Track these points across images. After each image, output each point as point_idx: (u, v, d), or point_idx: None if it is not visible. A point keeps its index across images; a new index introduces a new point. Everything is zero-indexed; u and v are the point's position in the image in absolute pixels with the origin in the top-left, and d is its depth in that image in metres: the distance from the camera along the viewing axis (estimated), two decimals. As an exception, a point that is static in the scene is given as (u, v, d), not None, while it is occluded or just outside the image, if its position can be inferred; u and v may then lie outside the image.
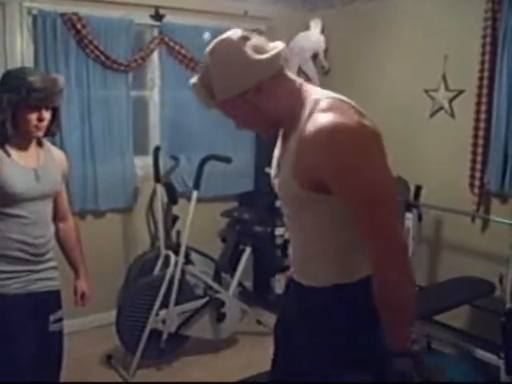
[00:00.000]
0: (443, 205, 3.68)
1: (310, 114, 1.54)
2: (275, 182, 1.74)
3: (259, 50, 1.55)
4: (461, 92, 3.70)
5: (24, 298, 2.27)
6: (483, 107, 3.47)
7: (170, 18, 4.15)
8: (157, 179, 3.95)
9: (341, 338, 1.63)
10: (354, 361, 1.60)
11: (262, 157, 4.45)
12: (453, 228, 3.83)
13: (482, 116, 3.49)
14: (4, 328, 2.23)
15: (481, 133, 3.50)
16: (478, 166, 3.54)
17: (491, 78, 3.42)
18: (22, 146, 2.28)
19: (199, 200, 3.69)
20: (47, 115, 2.25)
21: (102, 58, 3.87)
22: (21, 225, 2.24)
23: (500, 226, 3.34)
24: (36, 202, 2.28)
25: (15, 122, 2.20)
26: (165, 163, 4.22)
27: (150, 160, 4.08)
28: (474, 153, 3.56)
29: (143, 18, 4.08)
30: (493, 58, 3.40)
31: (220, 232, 4.19)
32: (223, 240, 4.10)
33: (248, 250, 3.88)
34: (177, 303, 3.60)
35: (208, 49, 1.59)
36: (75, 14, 3.71)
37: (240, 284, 4.03)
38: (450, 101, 3.76)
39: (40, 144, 2.38)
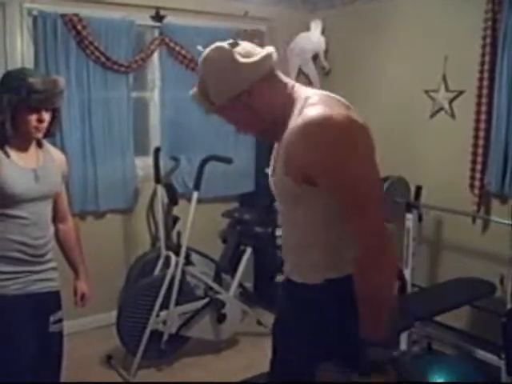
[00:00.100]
0: (443, 205, 3.68)
1: (301, 109, 1.59)
2: (271, 181, 1.78)
3: (247, 54, 1.61)
4: (461, 92, 3.70)
5: (24, 299, 2.27)
6: (483, 108, 3.47)
7: (170, 19, 4.15)
8: (157, 180, 3.95)
9: (333, 335, 1.65)
10: (345, 356, 1.60)
11: (263, 157, 4.44)
12: (453, 228, 3.83)
13: (483, 117, 3.49)
14: (4, 329, 2.23)
15: (481, 133, 3.51)
16: (479, 167, 3.54)
17: (491, 79, 3.42)
18: (22, 147, 2.28)
19: (200, 201, 3.69)
20: (47, 116, 2.26)
21: (103, 59, 3.87)
22: (20, 226, 2.24)
23: (500, 226, 3.33)
24: (35, 202, 2.28)
25: (15, 123, 2.20)
26: (165, 164, 4.23)
27: (150, 161, 4.08)
28: (475, 153, 3.56)
29: (144, 19, 4.08)
30: (493, 59, 3.40)
31: (220, 233, 4.19)
32: (224, 241, 4.10)
33: (249, 250, 3.88)
34: (177, 304, 3.60)
35: (201, 58, 1.69)
36: (76, 15, 3.71)
37: (240, 285, 4.03)
38: (450, 101, 3.77)
39: (40, 145, 2.38)
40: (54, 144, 3.73)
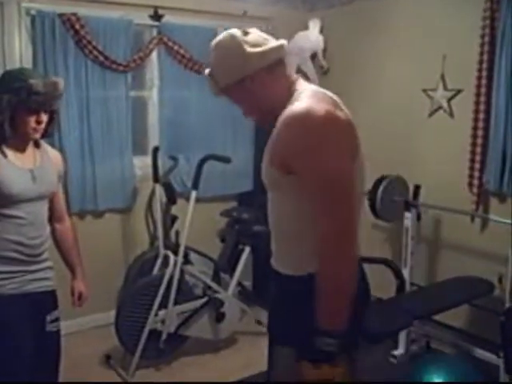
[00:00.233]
0: (442, 204, 3.69)
1: (293, 102, 1.70)
2: (262, 171, 1.83)
3: (256, 44, 1.74)
4: (459, 91, 3.70)
5: (20, 299, 2.27)
6: (482, 107, 3.48)
7: (168, 18, 4.15)
8: (156, 179, 3.95)
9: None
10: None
11: (261, 156, 4.43)
12: (452, 227, 3.83)
13: (481, 115, 3.49)
14: (0, 329, 2.23)
15: (479, 132, 3.51)
16: (477, 166, 3.54)
17: (490, 78, 3.42)
18: (20, 148, 2.28)
19: (198, 200, 3.69)
20: (45, 118, 2.26)
21: (101, 58, 3.87)
22: (17, 225, 2.24)
23: (499, 225, 3.34)
24: (32, 202, 2.28)
25: (13, 124, 2.20)
26: (164, 163, 4.22)
27: (148, 160, 4.08)
28: (473, 152, 3.56)
29: (142, 18, 4.07)
30: (491, 58, 3.40)
31: (219, 232, 4.19)
32: (222, 240, 4.10)
33: (247, 249, 3.88)
34: (176, 303, 3.60)
35: (213, 42, 1.80)
36: (74, 14, 3.71)
37: (239, 284, 4.02)
38: (449, 100, 3.77)
39: (37, 145, 2.38)
40: (52, 143, 3.74)
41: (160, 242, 3.84)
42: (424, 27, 3.90)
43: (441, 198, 3.71)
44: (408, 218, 3.68)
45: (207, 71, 1.85)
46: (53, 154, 2.49)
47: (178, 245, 3.70)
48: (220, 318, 3.74)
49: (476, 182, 3.55)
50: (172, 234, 3.92)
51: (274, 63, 1.77)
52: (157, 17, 4.11)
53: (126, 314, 3.50)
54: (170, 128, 4.33)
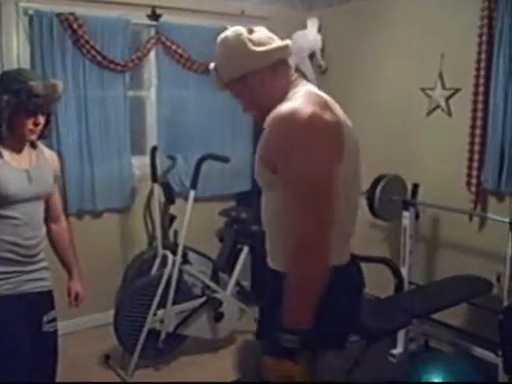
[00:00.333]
0: (440, 203, 3.69)
1: (283, 104, 1.73)
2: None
3: (260, 42, 1.79)
4: (457, 90, 3.70)
5: (15, 299, 2.27)
6: (480, 106, 3.48)
7: (166, 18, 4.15)
8: (154, 179, 3.95)
9: None
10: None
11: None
12: (450, 226, 3.84)
13: (479, 114, 3.49)
14: None
15: (477, 131, 3.51)
16: (475, 165, 3.54)
17: (488, 77, 3.42)
18: (16, 148, 2.28)
19: (196, 199, 3.69)
20: (42, 120, 2.27)
21: (99, 57, 3.87)
22: (13, 226, 2.24)
23: (497, 224, 3.34)
24: (28, 203, 2.28)
25: (11, 125, 2.20)
26: (162, 163, 4.22)
27: (147, 160, 4.07)
28: (471, 151, 3.57)
29: (140, 17, 4.07)
30: (489, 57, 3.40)
31: (217, 231, 4.19)
32: (221, 239, 4.10)
33: (246, 249, 3.88)
34: (175, 303, 3.60)
35: (218, 38, 1.86)
36: (72, 13, 3.71)
37: (238, 283, 4.02)
38: (447, 99, 3.77)
39: (33, 145, 2.38)
40: (50, 143, 3.75)
41: (158, 242, 3.84)
42: (422, 26, 3.90)
43: (439, 196, 3.71)
44: (406, 216, 3.68)
45: (212, 65, 1.90)
46: (49, 154, 2.48)
47: (176, 244, 3.70)
48: (219, 317, 3.74)
49: (474, 180, 3.55)
50: (170, 233, 3.92)
51: (277, 62, 1.82)
52: (155, 16, 4.11)
53: (124, 314, 3.50)
54: (168, 128, 4.33)
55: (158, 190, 3.95)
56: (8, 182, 2.20)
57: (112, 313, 3.56)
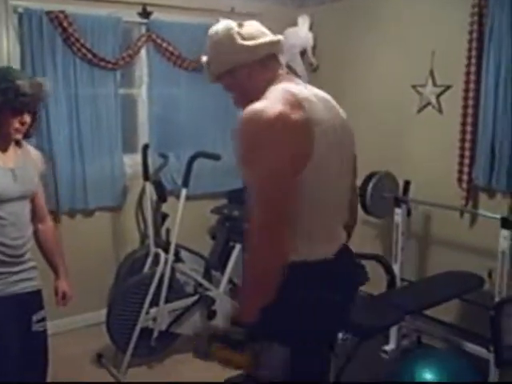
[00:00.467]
0: (432, 200, 3.70)
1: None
2: None
3: (249, 37, 1.81)
4: (448, 87, 3.71)
5: (4, 300, 2.26)
6: (470, 102, 3.49)
7: (157, 16, 4.14)
8: (146, 177, 3.94)
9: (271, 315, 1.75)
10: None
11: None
12: (441, 223, 3.85)
13: (470, 111, 3.50)
14: None
15: (468, 128, 3.52)
16: (466, 161, 3.56)
17: (478, 74, 3.44)
18: (1, 147, 2.27)
19: (188, 198, 3.68)
20: (28, 119, 2.25)
21: (90, 55, 3.85)
22: None
23: (488, 220, 3.35)
24: (14, 202, 2.26)
25: None
26: (154, 161, 4.21)
27: (138, 158, 4.06)
28: (462, 148, 3.58)
29: (130, 15, 4.06)
30: (480, 54, 3.42)
31: (210, 229, 4.19)
32: (213, 237, 4.10)
33: (238, 246, 3.87)
34: (167, 301, 3.60)
35: (209, 31, 1.88)
36: (62, 11, 3.69)
37: (230, 281, 4.02)
38: (438, 96, 3.78)
39: (18, 144, 2.36)
40: (41, 142, 3.74)
41: (150, 240, 3.83)
42: (413, 23, 3.91)
43: (430, 193, 3.73)
44: (398, 213, 3.69)
45: (203, 58, 1.92)
46: (34, 153, 2.47)
47: (168, 243, 3.70)
48: (211, 315, 3.73)
49: (465, 177, 3.57)
50: (163, 231, 3.92)
51: (267, 57, 1.84)
52: (145, 14, 4.10)
53: (117, 313, 3.50)
54: (160, 125, 4.32)
55: (149, 189, 3.94)
56: None
57: (104, 311, 3.55)
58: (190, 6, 4.26)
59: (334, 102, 1.92)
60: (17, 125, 2.21)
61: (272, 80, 1.84)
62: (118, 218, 4.29)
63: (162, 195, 3.84)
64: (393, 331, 3.62)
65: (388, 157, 4.01)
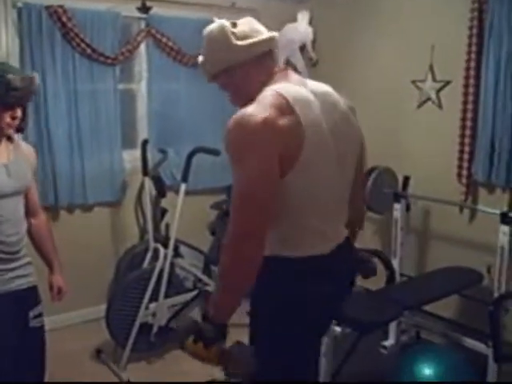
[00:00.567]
0: (431, 195, 3.70)
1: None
2: None
3: (243, 36, 1.82)
4: (448, 83, 3.71)
5: (1, 298, 2.24)
6: (470, 98, 3.49)
7: (156, 10, 4.13)
8: (145, 172, 3.93)
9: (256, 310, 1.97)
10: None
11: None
12: (441, 218, 3.85)
13: (469, 106, 3.50)
14: None
15: (468, 123, 3.52)
16: (466, 156, 3.56)
17: (478, 69, 3.43)
18: None
19: (188, 193, 3.68)
20: (20, 113, 2.23)
21: (89, 50, 3.84)
22: None
23: (488, 215, 3.35)
24: (8, 198, 2.24)
25: None
26: (153, 156, 4.21)
27: (138, 153, 4.06)
28: (462, 143, 3.58)
29: (130, 10, 4.05)
30: (479, 49, 3.41)
31: (209, 224, 4.19)
32: (212, 233, 4.10)
33: (237, 242, 3.87)
34: (166, 296, 3.60)
35: (204, 31, 1.88)
36: (61, 6, 3.68)
37: (230, 276, 4.02)
38: (438, 91, 3.78)
39: (10, 139, 2.34)
40: (41, 137, 3.74)
41: (150, 236, 3.83)
42: (413, 18, 3.90)
43: (430, 188, 3.72)
44: (397, 209, 3.69)
45: (200, 58, 1.93)
46: (26, 148, 2.45)
47: (167, 238, 3.70)
48: (211, 310, 3.74)
49: (465, 172, 3.57)
50: (162, 227, 3.92)
51: (261, 55, 1.85)
52: (144, 9, 4.08)
53: (116, 308, 3.50)
54: (159, 121, 4.32)
55: (149, 184, 3.94)
56: None
57: (103, 307, 3.56)
58: (189, 1, 4.24)
59: (335, 96, 1.93)
60: (8, 119, 2.19)
61: (268, 79, 1.85)
62: (117, 213, 4.29)
63: (161, 190, 3.84)
64: (392, 326, 3.62)
65: (387, 152, 4.00)
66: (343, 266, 1.97)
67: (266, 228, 1.67)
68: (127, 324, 3.50)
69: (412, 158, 3.94)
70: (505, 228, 3.14)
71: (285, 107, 1.71)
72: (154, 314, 3.57)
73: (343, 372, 2.88)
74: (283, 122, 1.68)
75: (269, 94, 1.76)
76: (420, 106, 3.90)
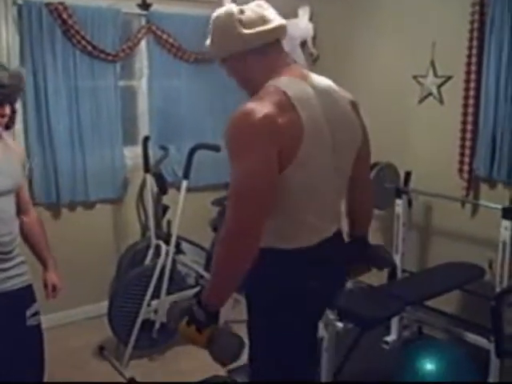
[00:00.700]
0: (433, 190, 3.69)
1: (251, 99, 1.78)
2: None
3: (250, 24, 1.79)
4: (449, 78, 3.70)
5: None
6: (471, 93, 3.48)
7: (157, 7, 4.12)
8: (146, 169, 3.93)
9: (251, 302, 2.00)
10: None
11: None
12: (443, 213, 3.85)
13: (471, 102, 3.49)
14: None
15: (469, 118, 3.51)
16: (467, 152, 3.55)
17: (479, 64, 3.42)
18: None
19: (189, 189, 3.69)
20: (8, 111, 2.20)
21: (89, 47, 3.84)
22: None
23: (489, 210, 3.35)
24: (1, 198, 2.21)
25: None
26: (154, 153, 4.21)
27: (139, 150, 4.06)
28: (463, 138, 3.57)
29: (130, 7, 4.05)
30: (480, 44, 3.40)
31: (211, 221, 4.19)
32: (214, 229, 4.10)
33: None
34: (169, 293, 3.61)
35: (213, 15, 1.86)
36: (61, 3, 3.68)
37: (231, 273, 4.02)
38: (439, 87, 3.77)
39: None
40: (41, 134, 3.74)
41: (152, 232, 3.83)
42: (414, 13, 3.88)
43: (431, 184, 3.72)
44: (399, 204, 3.69)
45: (208, 41, 1.91)
46: (15, 145, 2.43)
47: (169, 234, 3.70)
48: (213, 306, 3.74)
49: (466, 168, 3.56)
50: (163, 223, 3.92)
51: (266, 45, 1.83)
52: (145, 6, 4.08)
53: (118, 305, 3.50)
54: (160, 117, 4.32)
55: (150, 181, 3.94)
56: None
57: (105, 304, 3.56)
58: (189, -2, 4.25)
59: (337, 91, 1.94)
60: None
61: (271, 70, 1.83)
62: (118, 210, 4.29)
63: (162, 187, 3.84)
64: (394, 322, 3.62)
65: (389, 147, 3.99)
66: (337, 256, 2.00)
67: (263, 224, 1.67)
68: (129, 321, 3.51)
69: (413, 153, 3.93)
70: (506, 223, 3.14)
71: (285, 104, 1.71)
72: (155, 311, 3.57)
73: (345, 367, 2.88)
74: (283, 119, 1.68)
75: (271, 90, 1.75)
76: (421, 101, 3.89)
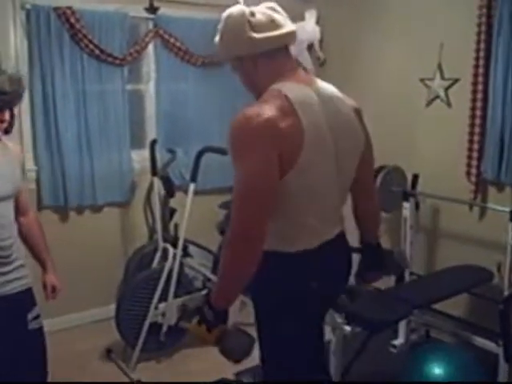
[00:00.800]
0: (440, 193, 3.69)
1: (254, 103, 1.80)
2: None
3: (259, 28, 1.79)
4: (456, 80, 3.70)
5: None
6: (479, 95, 3.47)
7: (164, 11, 4.13)
8: (154, 172, 3.94)
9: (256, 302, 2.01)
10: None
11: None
12: (450, 216, 3.84)
13: (478, 104, 3.49)
14: None
15: (477, 121, 3.51)
16: (475, 155, 3.54)
17: (486, 66, 3.42)
18: None
19: (197, 192, 3.69)
20: (8, 116, 2.20)
21: (97, 51, 3.86)
22: None
23: (497, 213, 3.34)
24: (1, 203, 2.20)
25: None
26: (162, 156, 4.22)
27: (146, 153, 4.06)
28: (471, 141, 3.56)
29: (137, 11, 4.05)
30: (488, 46, 3.40)
31: (218, 224, 4.18)
32: (221, 232, 4.09)
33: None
34: (176, 296, 3.61)
35: (224, 13, 1.86)
36: (69, 7, 3.69)
37: (239, 276, 4.02)
38: (446, 89, 3.76)
39: None
40: (49, 138, 3.76)
41: (159, 236, 3.84)
42: (421, 16, 3.88)
43: (439, 187, 3.71)
44: (406, 207, 3.68)
45: (217, 38, 1.91)
46: (13, 147, 2.42)
47: (176, 238, 3.71)
48: (220, 310, 3.74)
49: (474, 170, 3.55)
50: (171, 227, 3.92)
51: (274, 50, 1.83)
52: (152, 9, 4.09)
53: (126, 308, 3.51)
54: (168, 121, 4.33)
55: (157, 184, 3.95)
56: None
57: (113, 307, 3.57)
58: (197, 2, 4.25)
59: (340, 99, 1.93)
60: None
61: (277, 75, 1.84)
62: (126, 213, 4.30)
63: (170, 190, 3.84)
64: (401, 325, 3.61)
65: (396, 150, 3.99)
66: (339, 258, 2.02)
67: (265, 225, 1.69)
68: (137, 324, 3.51)
69: (421, 156, 3.93)
70: (515, 226, 3.13)
71: (287, 109, 1.72)
72: (163, 314, 3.57)
73: (353, 371, 2.87)
74: (284, 123, 1.70)
75: (274, 93, 1.77)
76: (429, 104, 3.89)
